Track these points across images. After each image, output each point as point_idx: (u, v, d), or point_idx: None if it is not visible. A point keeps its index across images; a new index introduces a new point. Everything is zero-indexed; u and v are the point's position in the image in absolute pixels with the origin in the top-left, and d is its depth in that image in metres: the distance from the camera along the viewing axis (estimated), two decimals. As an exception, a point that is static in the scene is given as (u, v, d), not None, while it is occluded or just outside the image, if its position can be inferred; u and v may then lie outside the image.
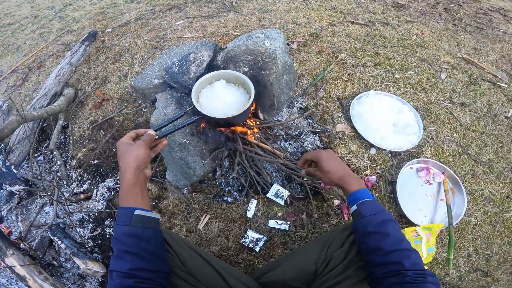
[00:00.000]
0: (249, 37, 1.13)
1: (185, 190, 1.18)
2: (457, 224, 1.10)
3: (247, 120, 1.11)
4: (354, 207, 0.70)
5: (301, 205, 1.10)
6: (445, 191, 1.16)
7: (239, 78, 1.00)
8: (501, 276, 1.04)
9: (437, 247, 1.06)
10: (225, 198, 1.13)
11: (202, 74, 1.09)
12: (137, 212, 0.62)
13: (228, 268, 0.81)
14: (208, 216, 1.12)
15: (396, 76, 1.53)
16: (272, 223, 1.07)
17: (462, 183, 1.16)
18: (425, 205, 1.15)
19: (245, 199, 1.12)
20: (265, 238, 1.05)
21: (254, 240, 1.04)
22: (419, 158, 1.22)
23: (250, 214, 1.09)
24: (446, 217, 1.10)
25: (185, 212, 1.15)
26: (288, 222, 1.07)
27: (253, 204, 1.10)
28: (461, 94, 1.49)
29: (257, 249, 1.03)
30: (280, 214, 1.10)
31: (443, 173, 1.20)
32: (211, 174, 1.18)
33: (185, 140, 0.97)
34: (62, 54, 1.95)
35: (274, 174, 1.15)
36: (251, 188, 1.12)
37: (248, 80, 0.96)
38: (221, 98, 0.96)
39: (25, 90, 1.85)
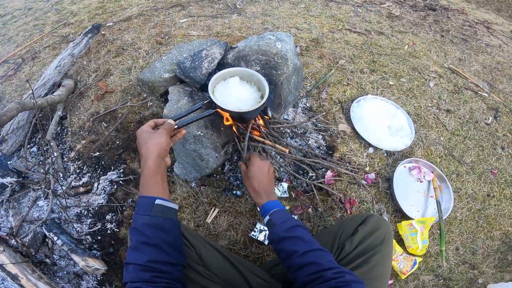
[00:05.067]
0: (261, 38, 1.18)
1: (193, 184, 1.20)
2: (445, 219, 1.18)
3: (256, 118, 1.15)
4: (267, 217, 0.74)
5: (307, 199, 1.15)
6: (434, 188, 1.26)
7: (253, 76, 1.04)
8: (486, 269, 1.13)
9: (429, 240, 1.15)
10: (234, 192, 1.16)
11: (214, 70, 1.13)
12: (157, 201, 0.62)
13: (240, 260, 0.82)
14: (216, 210, 1.14)
15: (390, 82, 1.64)
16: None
17: (449, 181, 1.27)
18: (417, 201, 1.24)
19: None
20: (273, 230, 1.08)
21: (264, 233, 1.07)
22: (411, 158, 1.32)
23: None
24: (436, 212, 1.19)
25: (193, 206, 1.16)
26: (296, 216, 1.11)
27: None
28: (447, 101, 1.63)
29: (266, 242, 1.06)
30: (288, 207, 1.14)
31: (432, 172, 1.30)
32: (220, 168, 1.20)
33: (199, 132, 1.00)
34: (59, 46, 1.89)
35: (281, 169, 1.20)
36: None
37: (263, 79, 1.01)
38: (236, 94, 0.99)
39: (17, 81, 1.78)
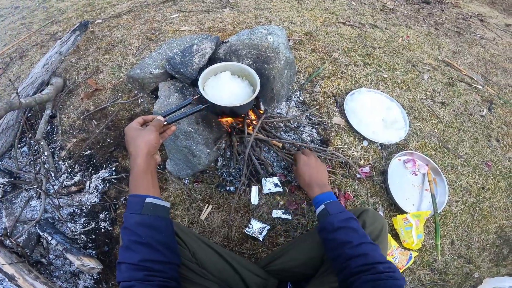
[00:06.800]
0: (252, 32, 1.15)
1: (186, 181, 1.18)
2: (440, 213, 1.17)
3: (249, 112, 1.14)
4: (322, 207, 0.76)
5: (301, 193, 1.14)
6: (429, 181, 1.25)
7: (244, 70, 1.03)
8: (482, 263, 1.12)
9: (424, 234, 1.13)
10: (228, 188, 1.15)
11: (205, 66, 1.11)
12: (148, 200, 0.61)
13: (235, 258, 0.82)
14: (210, 207, 1.12)
15: (384, 75, 1.63)
16: (275, 213, 1.10)
17: (443, 174, 1.26)
18: (412, 194, 1.23)
19: (247, 188, 1.14)
20: (269, 227, 1.07)
21: (258, 229, 1.06)
22: (406, 150, 1.31)
23: (254, 201, 1.11)
24: (431, 206, 1.18)
25: (186, 203, 1.14)
26: (290, 211, 1.11)
27: (254, 190, 1.12)
28: (441, 93, 1.63)
29: (260, 238, 1.05)
30: (282, 202, 1.13)
31: (427, 165, 1.30)
32: (212, 164, 1.19)
33: (190, 128, 0.98)
34: (47, 44, 1.85)
35: (275, 164, 1.18)
36: (253, 177, 1.14)
37: (254, 73, 0.99)
38: (227, 88, 0.98)
39: (6, 80, 1.74)
